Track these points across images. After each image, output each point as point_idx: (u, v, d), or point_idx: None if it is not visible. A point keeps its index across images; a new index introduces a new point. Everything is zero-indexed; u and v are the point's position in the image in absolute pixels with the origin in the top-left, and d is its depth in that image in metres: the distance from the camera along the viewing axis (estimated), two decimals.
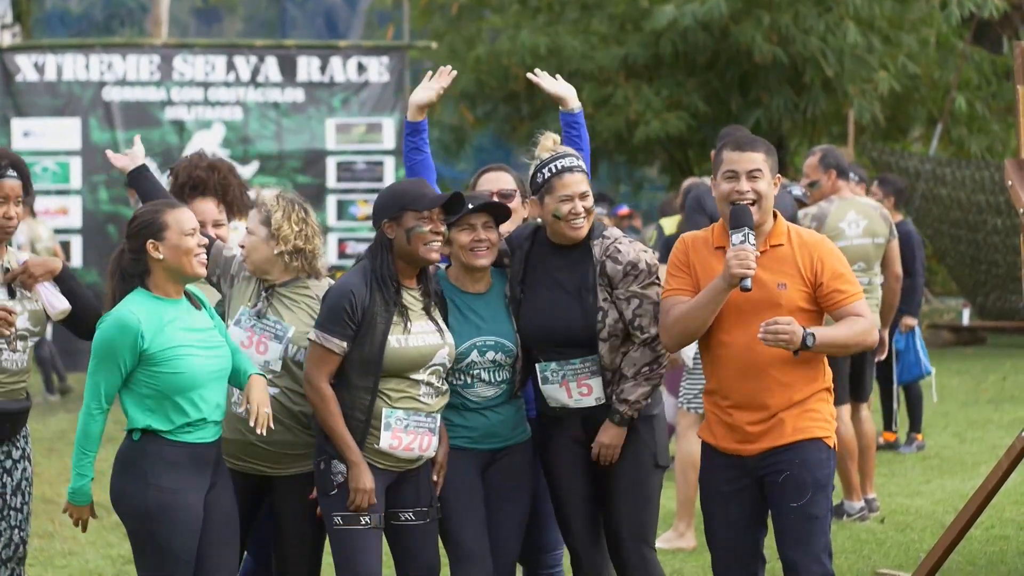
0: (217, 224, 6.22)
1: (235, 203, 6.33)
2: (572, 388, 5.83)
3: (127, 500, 5.40)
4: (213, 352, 5.45)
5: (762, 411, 5.53)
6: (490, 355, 5.80)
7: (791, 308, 5.48)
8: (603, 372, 5.82)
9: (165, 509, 5.32)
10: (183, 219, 5.43)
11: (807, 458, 5.52)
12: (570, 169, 5.87)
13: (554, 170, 5.85)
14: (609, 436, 5.82)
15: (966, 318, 20.75)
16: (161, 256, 5.40)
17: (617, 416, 5.79)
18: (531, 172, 5.93)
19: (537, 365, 5.88)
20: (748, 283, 5.39)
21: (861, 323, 5.53)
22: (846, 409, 9.35)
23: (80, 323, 5.95)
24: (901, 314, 11.65)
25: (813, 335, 5.38)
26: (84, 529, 5.60)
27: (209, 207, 6.18)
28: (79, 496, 5.47)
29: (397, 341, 5.53)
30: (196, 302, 5.55)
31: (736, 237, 5.44)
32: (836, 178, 9.54)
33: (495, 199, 5.96)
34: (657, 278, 5.86)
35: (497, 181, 6.27)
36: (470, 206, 5.74)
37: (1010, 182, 7.03)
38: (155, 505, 5.32)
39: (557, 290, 5.85)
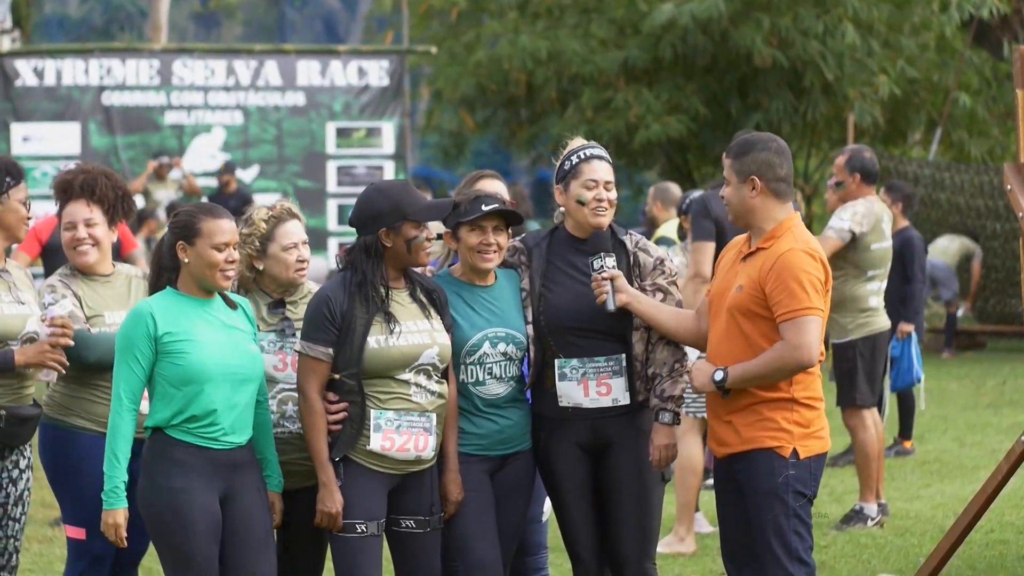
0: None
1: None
2: (591, 387, 5.80)
3: (142, 502, 5.35)
4: (237, 353, 5.38)
5: (714, 410, 5.65)
6: (501, 347, 5.76)
7: (742, 310, 5.51)
8: (632, 365, 5.80)
9: (176, 510, 5.26)
10: (216, 231, 5.36)
11: (756, 468, 5.53)
12: (598, 157, 5.89)
13: (582, 156, 5.87)
14: (663, 437, 5.81)
15: (960, 312, 20.61)
16: (187, 260, 5.38)
17: (668, 416, 5.80)
18: (558, 163, 5.94)
19: (556, 361, 5.82)
20: (609, 305, 5.68)
21: (775, 350, 5.44)
22: (869, 413, 9.34)
23: None
24: (899, 320, 11.59)
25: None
26: (122, 543, 5.33)
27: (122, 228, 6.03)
28: (107, 499, 5.28)
29: (377, 342, 5.49)
30: (232, 303, 5.51)
31: (594, 262, 5.78)
32: (861, 181, 9.46)
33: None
34: (675, 282, 5.95)
35: (495, 188, 6.21)
36: (483, 208, 5.72)
37: (1009, 186, 7.04)
38: (166, 506, 5.27)
39: (585, 280, 5.82)
